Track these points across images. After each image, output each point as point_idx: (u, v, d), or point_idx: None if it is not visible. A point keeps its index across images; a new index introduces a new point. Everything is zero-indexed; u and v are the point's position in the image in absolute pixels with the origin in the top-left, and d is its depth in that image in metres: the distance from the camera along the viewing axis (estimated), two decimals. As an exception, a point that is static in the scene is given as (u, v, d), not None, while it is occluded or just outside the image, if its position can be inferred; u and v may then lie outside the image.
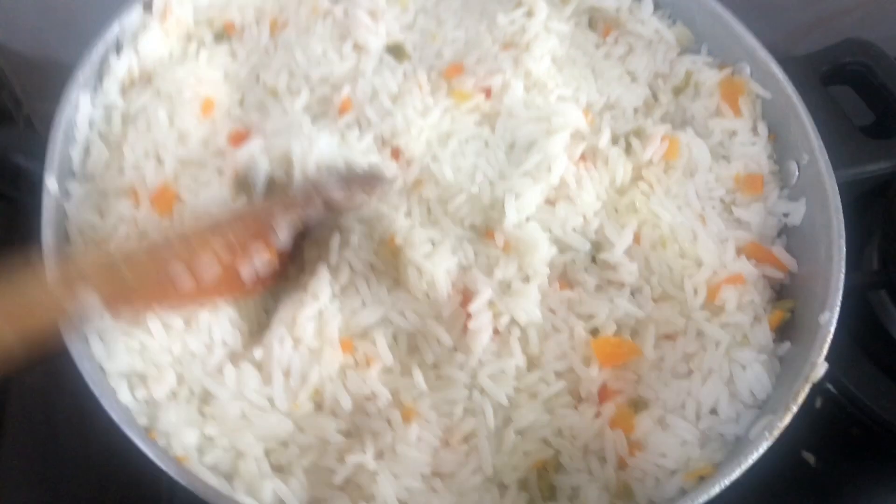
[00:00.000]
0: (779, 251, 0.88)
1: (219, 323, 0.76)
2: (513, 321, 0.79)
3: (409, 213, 0.85)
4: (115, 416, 0.67)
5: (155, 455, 0.66)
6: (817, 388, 0.97)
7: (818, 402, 1.01)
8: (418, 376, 0.76)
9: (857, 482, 1.08)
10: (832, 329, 0.77)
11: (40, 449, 1.00)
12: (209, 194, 0.81)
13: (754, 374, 0.79)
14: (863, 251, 1.07)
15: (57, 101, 1.28)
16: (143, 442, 0.66)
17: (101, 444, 0.70)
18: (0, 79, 1.30)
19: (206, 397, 0.75)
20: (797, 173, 0.91)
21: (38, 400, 1.01)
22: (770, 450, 0.72)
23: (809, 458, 1.07)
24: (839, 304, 0.78)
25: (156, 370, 0.74)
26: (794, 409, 0.73)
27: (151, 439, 0.68)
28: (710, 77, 0.98)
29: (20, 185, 0.86)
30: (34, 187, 0.82)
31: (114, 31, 0.89)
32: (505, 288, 0.81)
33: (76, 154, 0.84)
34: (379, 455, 0.73)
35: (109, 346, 0.73)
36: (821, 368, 0.75)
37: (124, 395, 0.72)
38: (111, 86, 0.88)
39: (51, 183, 0.78)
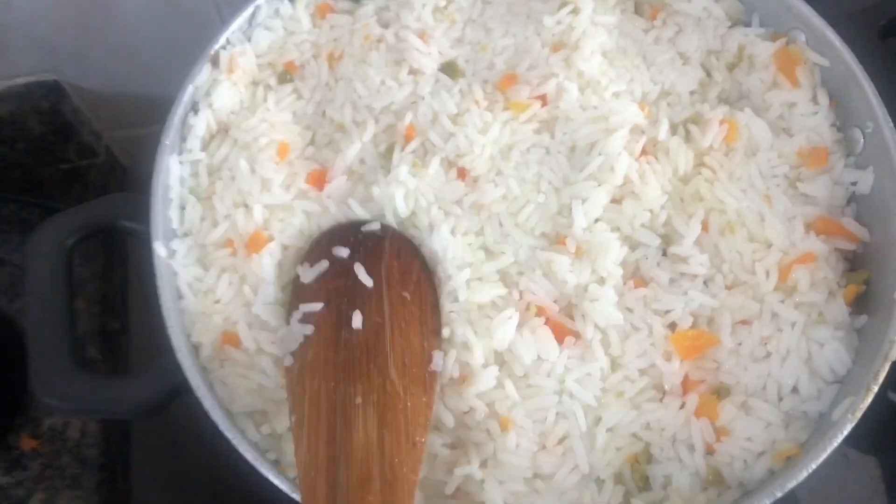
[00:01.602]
0: (849, 222, 0.89)
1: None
2: (595, 325, 0.83)
3: (480, 231, 0.89)
4: (250, 456, 0.76)
5: (289, 489, 0.74)
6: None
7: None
8: (510, 388, 0.81)
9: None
10: (909, 304, 0.78)
11: (166, 479, 1.11)
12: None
13: (832, 351, 0.82)
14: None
15: (131, 128, 1.37)
16: (277, 478, 0.75)
17: (226, 476, 0.79)
18: (79, 117, 1.40)
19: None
20: (862, 141, 0.90)
21: (162, 433, 1.10)
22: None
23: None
24: (915, 278, 0.79)
25: (275, 406, 0.82)
26: (875, 388, 0.75)
27: (283, 474, 0.76)
28: (763, 49, 0.97)
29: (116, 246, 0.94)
30: (141, 245, 0.90)
31: (189, 92, 0.96)
32: (581, 293, 0.85)
33: (174, 213, 0.92)
34: (483, 464, 0.79)
35: (231, 391, 0.82)
36: (900, 346, 0.77)
37: (252, 433, 0.81)
38: (194, 143, 0.95)
39: (159, 248, 0.86)
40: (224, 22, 1.01)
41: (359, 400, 0.74)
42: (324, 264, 0.85)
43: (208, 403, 0.78)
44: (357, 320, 0.80)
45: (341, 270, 0.84)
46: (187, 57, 0.98)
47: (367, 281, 0.83)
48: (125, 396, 0.82)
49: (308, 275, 0.85)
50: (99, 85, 1.36)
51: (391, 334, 0.79)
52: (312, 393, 0.76)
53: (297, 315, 0.82)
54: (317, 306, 0.82)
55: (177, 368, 0.80)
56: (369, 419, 0.73)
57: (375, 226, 0.88)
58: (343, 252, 0.85)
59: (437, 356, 0.80)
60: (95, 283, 1.25)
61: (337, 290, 0.83)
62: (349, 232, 0.88)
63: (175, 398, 0.81)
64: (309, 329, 0.80)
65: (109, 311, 1.24)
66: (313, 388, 0.76)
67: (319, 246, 0.88)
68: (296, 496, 0.74)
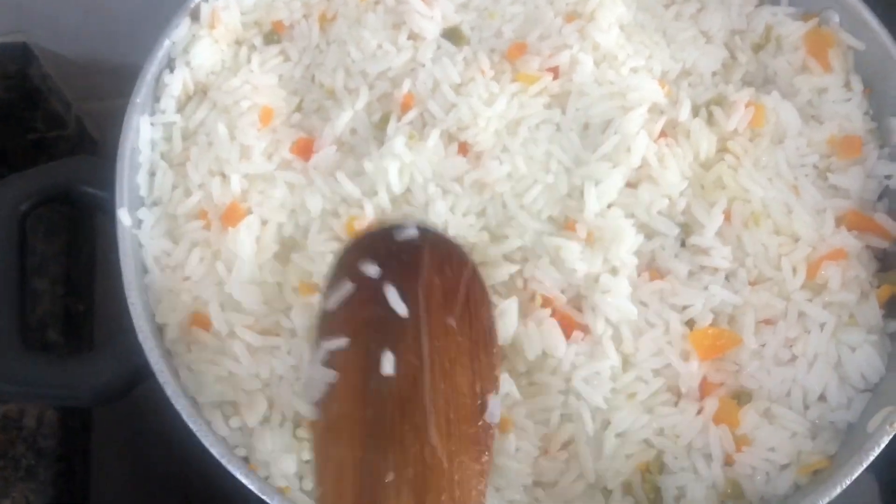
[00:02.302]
0: (881, 217, 0.82)
1: (301, 346, 0.75)
2: (606, 319, 0.76)
3: (482, 213, 0.82)
4: (216, 451, 0.67)
5: (258, 489, 0.66)
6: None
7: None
8: (511, 385, 0.74)
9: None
10: (950, 306, 0.72)
11: (126, 483, 1.04)
12: None
13: (864, 356, 0.75)
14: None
15: (103, 99, 1.29)
16: (246, 476, 0.67)
17: (193, 470, 0.71)
18: (48, 84, 1.32)
19: (298, 420, 0.74)
20: (899, 131, 0.84)
21: (124, 421, 1.03)
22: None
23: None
24: (959, 277, 0.73)
25: (246, 397, 0.74)
26: (918, 398, 0.69)
27: (253, 472, 0.68)
28: (793, 30, 0.91)
29: (90, 213, 0.86)
30: (104, 214, 0.82)
31: (164, 47, 0.87)
32: (592, 283, 0.78)
33: (142, 179, 0.83)
34: (478, 469, 0.71)
35: (199, 378, 0.73)
36: (943, 353, 0.70)
37: (219, 426, 0.72)
38: (168, 103, 0.87)
39: (124, 216, 0.78)
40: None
41: (391, 476, 0.57)
42: (348, 286, 0.68)
43: (171, 391, 0.69)
44: (388, 364, 0.63)
45: (370, 294, 0.67)
46: (167, 23, 0.89)
47: (401, 309, 0.66)
48: (79, 381, 0.74)
49: (331, 300, 0.68)
50: (71, 50, 1.28)
51: (432, 380, 0.62)
52: (337, 464, 0.60)
53: (319, 354, 0.66)
54: (341, 342, 0.65)
55: (138, 351, 0.71)
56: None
57: (412, 231, 0.70)
58: (372, 270, 0.68)
59: (494, 403, 0.64)
60: (59, 260, 1.17)
61: (365, 322, 0.66)
62: (381, 242, 0.70)
63: (135, 384, 0.73)
64: (332, 375, 0.64)
65: (74, 291, 1.16)
66: (338, 457, 0.60)
67: (345, 261, 0.70)
68: (266, 498, 0.66)
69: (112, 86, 1.24)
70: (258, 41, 0.93)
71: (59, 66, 1.30)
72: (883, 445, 0.67)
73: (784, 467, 0.72)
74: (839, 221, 0.82)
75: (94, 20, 1.24)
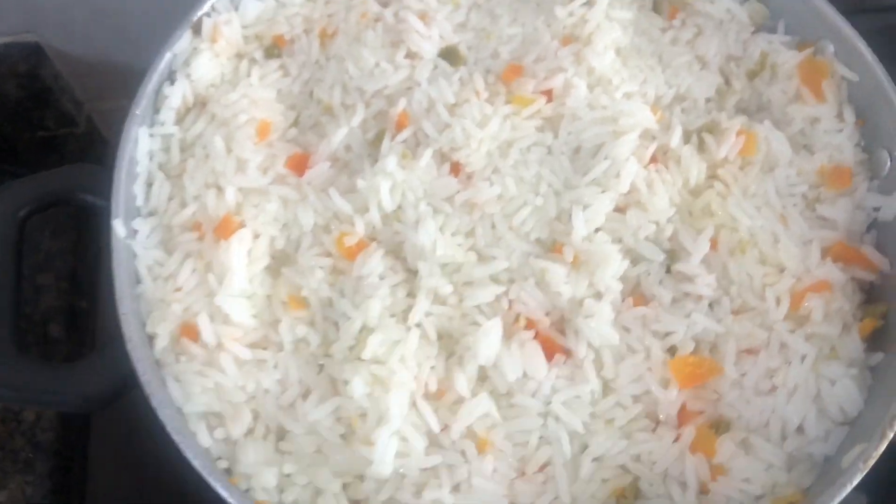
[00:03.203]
0: (868, 250, 0.83)
1: (288, 360, 0.77)
2: (588, 344, 0.77)
3: (471, 233, 0.83)
4: (198, 463, 0.68)
5: (238, 502, 0.67)
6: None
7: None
8: (490, 406, 0.74)
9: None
10: (931, 344, 0.72)
11: (122, 484, 1.03)
12: None
13: (844, 390, 0.76)
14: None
15: (114, 99, 1.31)
16: (226, 490, 0.68)
17: (179, 482, 0.72)
18: (60, 83, 1.34)
19: (281, 433, 0.75)
20: (889, 163, 0.85)
21: (122, 425, 1.04)
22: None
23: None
24: (939, 314, 0.73)
25: (231, 409, 0.75)
26: (891, 435, 0.69)
27: (233, 485, 0.69)
28: (788, 58, 0.91)
29: (89, 220, 0.87)
30: (101, 220, 0.83)
31: (166, 59, 0.88)
32: (576, 307, 0.79)
33: (139, 190, 0.84)
34: (455, 489, 0.72)
35: (186, 388, 0.74)
36: (919, 390, 0.70)
37: (203, 437, 0.73)
38: (167, 115, 0.88)
39: (118, 227, 0.79)
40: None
41: None
42: None
43: (156, 401, 0.70)
44: None
45: None
46: (170, 35, 0.91)
47: None
48: (67, 388, 0.75)
49: None
50: (83, 51, 1.30)
51: None
52: None
53: None
54: None
55: (127, 360, 0.72)
56: None
57: None
58: None
59: None
60: (65, 258, 1.19)
61: None
62: None
63: (123, 393, 0.74)
64: None
65: (78, 288, 1.18)
66: None
67: None
68: (245, 512, 0.67)
69: (122, 86, 1.26)
70: (259, 55, 0.94)
71: (71, 66, 1.31)
72: (856, 482, 0.68)
73: (758, 498, 0.72)
74: (826, 253, 0.82)
75: (106, 21, 1.25)
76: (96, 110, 1.41)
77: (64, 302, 1.16)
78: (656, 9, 0.98)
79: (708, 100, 0.92)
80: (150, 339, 0.78)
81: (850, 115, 0.88)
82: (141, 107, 0.85)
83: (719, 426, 0.75)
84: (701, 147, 0.87)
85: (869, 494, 0.97)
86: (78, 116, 1.39)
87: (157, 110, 0.88)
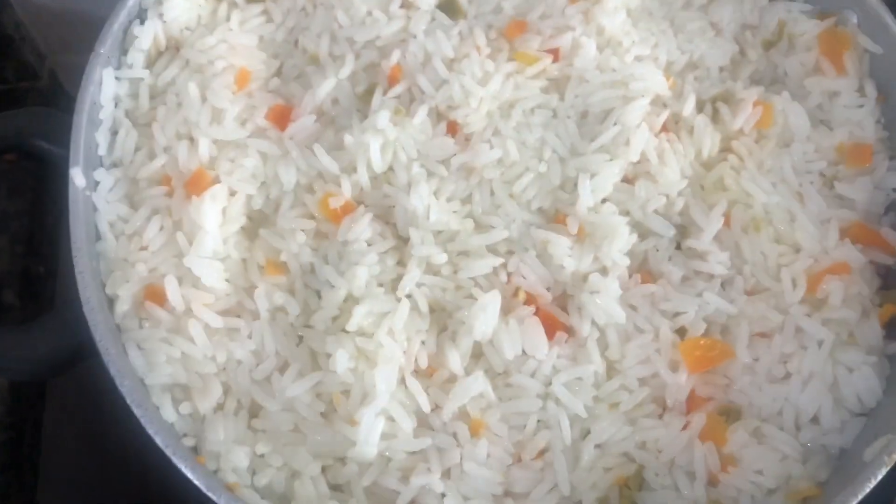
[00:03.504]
0: (888, 232, 0.79)
1: (264, 330, 0.70)
2: (592, 322, 0.71)
3: (468, 199, 0.77)
4: (161, 440, 0.62)
5: (204, 485, 0.61)
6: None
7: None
8: (486, 386, 0.69)
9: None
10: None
11: (82, 444, 0.97)
12: None
13: (862, 378, 0.72)
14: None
15: (81, 53, 1.23)
16: (191, 470, 0.61)
17: (143, 458, 0.66)
18: (21, 32, 1.26)
19: (255, 410, 0.69)
20: (912, 142, 0.80)
21: (79, 394, 0.97)
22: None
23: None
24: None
25: (200, 381, 0.68)
26: (917, 427, 0.65)
27: (200, 465, 0.62)
28: (807, 28, 0.87)
29: (45, 169, 0.79)
30: (60, 172, 0.75)
31: (135, -6, 0.80)
32: (580, 282, 0.73)
33: (102, 138, 0.77)
34: (446, 474, 0.67)
35: (149, 357, 0.67)
36: (947, 380, 0.66)
37: (168, 412, 0.66)
38: (136, 58, 0.81)
39: (77, 177, 0.72)
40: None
41: None
42: None
43: (115, 371, 0.63)
44: None
45: None
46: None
47: None
48: (15, 353, 0.67)
49: None
50: (47, 1, 1.20)
51: None
52: None
53: None
54: None
55: (84, 323, 0.65)
56: None
57: None
58: None
59: None
60: (21, 220, 1.11)
61: None
62: None
63: (78, 360, 0.67)
64: None
65: (35, 252, 1.10)
66: None
67: None
68: (213, 496, 0.60)
69: (89, 39, 1.18)
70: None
71: (34, 15, 1.23)
72: (880, 477, 0.63)
73: (771, 492, 0.68)
74: (843, 233, 0.78)
75: (74, -32, 1.17)
76: (60, 64, 1.32)
77: (19, 266, 1.09)
78: (670, -30, 0.92)
79: (722, 69, 0.88)
80: (111, 301, 0.71)
81: (871, 90, 0.84)
82: (106, 45, 0.78)
83: (730, 414, 0.71)
84: (715, 117, 0.83)
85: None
86: (40, 69, 1.31)
87: (124, 52, 0.81)
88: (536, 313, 0.72)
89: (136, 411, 0.62)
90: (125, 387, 0.63)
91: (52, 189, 1.17)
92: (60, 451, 0.99)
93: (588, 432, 0.70)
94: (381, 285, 0.72)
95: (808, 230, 0.76)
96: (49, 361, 0.69)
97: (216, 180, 0.75)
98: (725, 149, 0.81)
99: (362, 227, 0.73)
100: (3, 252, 1.09)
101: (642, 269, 0.76)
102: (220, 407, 0.69)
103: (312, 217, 0.75)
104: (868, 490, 0.63)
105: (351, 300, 0.70)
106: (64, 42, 1.26)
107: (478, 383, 0.68)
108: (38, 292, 1.10)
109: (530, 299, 0.73)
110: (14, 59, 1.24)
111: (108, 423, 0.97)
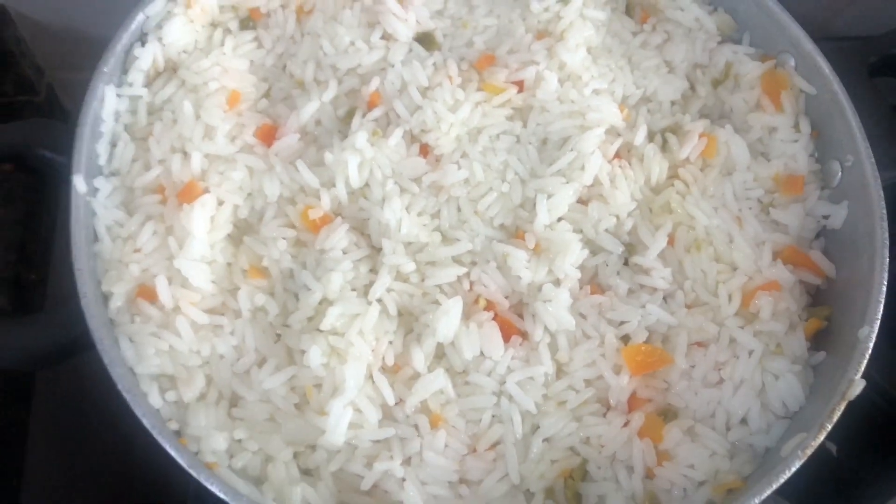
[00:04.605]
0: (817, 255, 0.86)
1: (245, 327, 0.76)
2: (544, 327, 0.78)
3: (436, 214, 0.83)
4: (147, 422, 0.67)
5: (186, 462, 0.66)
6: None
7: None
8: (446, 382, 0.75)
9: (878, 473, 1.08)
10: (871, 344, 0.75)
11: (67, 443, 1.01)
12: None
13: (787, 385, 0.78)
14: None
15: (78, 70, 1.29)
16: (175, 449, 0.67)
17: (129, 442, 0.71)
18: (22, 48, 1.30)
19: (234, 400, 0.75)
20: (840, 174, 0.88)
21: (65, 394, 1.01)
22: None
23: (832, 447, 1.06)
24: (879, 317, 0.76)
25: (185, 372, 0.74)
26: (829, 426, 0.72)
27: (182, 446, 0.68)
28: (751, 69, 0.94)
29: (52, 182, 0.85)
30: (61, 180, 0.81)
31: (138, 20, 0.87)
32: (535, 291, 0.80)
33: (102, 149, 0.83)
34: (406, 462, 0.73)
35: (139, 349, 0.73)
36: (858, 386, 0.73)
37: (154, 399, 0.72)
38: (136, 77, 0.87)
39: (79, 183, 0.78)
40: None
41: None
42: None
43: (108, 359, 0.69)
44: None
45: None
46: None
47: None
48: (16, 342, 0.73)
49: None
50: (48, 17, 1.27)
51: None
52: None
53: None
54: None
55: (76, 319, 0.71)
56: None
57: None
58: None
59: None
60: (15, 228, 1.15)
61: None
62: None
63: (75, 351, 0.73)
64: None
65: (27, 260, 1.14)
66: None
67: None
68: (194, 472, 0.66)
69: (88, 57, 1.24)
70: (234, 25, 0.94)
71: (34, 32, 1.27)
72: (794, 469, 0.70)
73: (701, 484, 0.74)
74: (777, 255, 0.85)
75: (74, -12, 1.23)
76: (58, 80, 1.37)
77: (11, 273, 1.12)
78: (628, 12, 1.00)
79: (673, 103, 0.95)
80: (105, 297, 0.76)
81: (805, 126, 0.91)
82: (109, 65, 0.84)
83: (667, 414, 0.77)
84: (664, 147, 0.89)
85: (837, 444, 1.02)
86: (38, 84, 1.35)
87: (125, 71, 0.87)
88: (495, 318, 0.78)
89: (126, 396, 0.68)
90: (117, 374, 0.69)
91: (49, 198, 1.22)
92: (44, 453, 1.01)
93: (537, 427, 0.75)
94: (354, 290, 0.78)
95: (745, 251, 0.83)
96: (39, 352, 0.74)
97: (206, 191, 0.81)
98: (673, 175, 0.88)
99: (339, 237, 0.80)
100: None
101: (592, 282, 0.82)
102: (202, 396, 0.74)
103: (293, 227, 0.81)
104: (783, 481, 0.69)
105: (325, 302, 0.76)
106: (62, 59, 1.31)
107: (439, 380, 0.75)
108: (28, 298, 1.13)
109: (490, 306, 0.79)
110: (13, 74, 1.28)
111: (92, 425, 1.01)
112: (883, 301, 0.77)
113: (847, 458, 1.05)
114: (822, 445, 1.06)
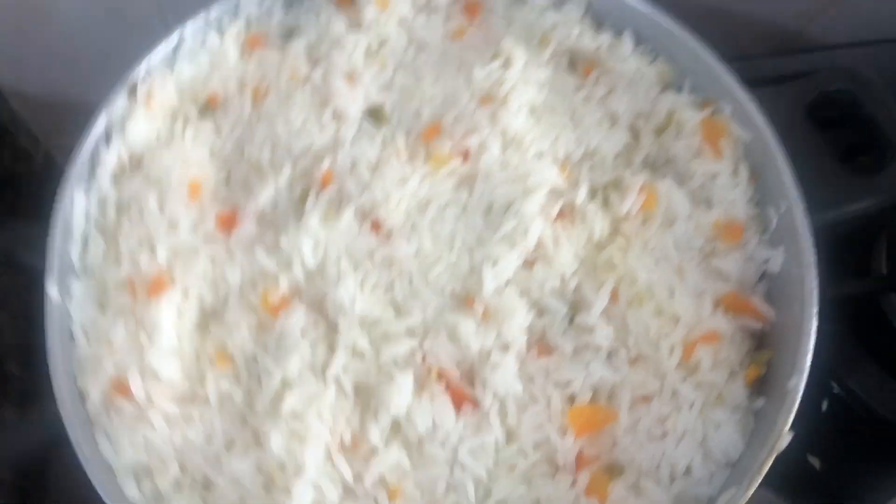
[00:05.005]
0: (758, 300, 0.89)
1: (213, 414, 0.82)
2: (493, 394, 0.82)
3: (389, 287, 0.88)
4: (124, 515, 0.73)
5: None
6: (824, 391, 0.98)
7: (824, 406, 1.04)
8: (402, 456, 0.80)
9: (863, 485, 1.11)
10: (799, 396, 0.78)
11: None
12: None
13: (727, 434, 0.82)
14: (871, 253, 1.07)
15: (74, 136, 1.35)
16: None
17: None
18: (16, 122, 1.36)
19: (206, 484, 0.81)
20: (775, 220, 0.90)
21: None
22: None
23: (815, 461, 1.09)
24: (808, 368, 0.79)
25: (160, 462, 0.80)
26: (759, 479, 0.75)
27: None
28: (691, 117, 0.97)
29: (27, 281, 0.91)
30: (40, 283, 0.87)
31: (101, 122, 0.93)
32: (484, 358, 0.84)
33: (74, 250, 0.88)
34: (367, 536, 0.78)
35: (115, 443, 0.79)
36: (786, 439, 0.77)
37: (131, 491, 0.78)
38: (103, 176, 0.92)
39: (52, 290, 0.83)
40: (169, 30, 0.97)
41: None
42: None
43: (84, 461, 0.75)
44: None
45: None
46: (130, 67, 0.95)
47: None
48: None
49: None
50: (39, 91, 1.33)
51: None
52: None
53: None
54: None
55: (56, 420, 0.77)
56: None
57: None
58: None
59: None
60: (21, 295, 1.21)
61: None
62: None
63: (49, 452, 0.78)
64: None
65: (35, 326, 1.21)
66: None
67: None
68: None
69: (79, 122, 1.31)
70: (193, 115, 0.98)
71: (27, 106, 1.34)
72: (729, 523, 0.74)
73: (645, 537, 0.78)
74: (717, 303, 0.87)
75: (60, 63, 1.28)
76: (55, 145, 1.43)
77: (21, 339, 1.18)
78: (571, 67, 1.03)
79: (616, 155, 0.97)
80: (82, 395, 0.82)
81: (744, 172, 0.94)
82: (76, 169, 0.90)
83: (614, 470, 0.81)
84: (605, 203, 0.92)
85: (820, 457, 1.05)
86: (35, 152, 1.41)
87: (93, 172, 0.92)
88: (447, 388, 0.82)
89: (105, 497, 0.74)
90: (96, 479, 0.75)
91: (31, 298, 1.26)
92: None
93: (490, 492, 0.79)
94: (311, 370, 0.83)
95: (685, 303, 0.87)
96: (23, 457, 0.80)
97: (172, 282, 0.87)
98: (615, 231, 0.91)
99: (297, 319, 0.84)
100: (6, 326, 1.20)
101: (539, 343, 0.86)
102: (177, 483, 0.80)
103: (255, 310, 0.86)
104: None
105: (285, 385, 0.82)
106: (57, 126, 1.37)
107: (394, 454, 0.80)
108: (37, 363, 1.21)
109: (442, 376, 0.83)
110: (10, 147, 1.34)
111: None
112: (811, 352, 0.80)
113: (830, 471, 1.09)
114: (805, 461, 1.10)
